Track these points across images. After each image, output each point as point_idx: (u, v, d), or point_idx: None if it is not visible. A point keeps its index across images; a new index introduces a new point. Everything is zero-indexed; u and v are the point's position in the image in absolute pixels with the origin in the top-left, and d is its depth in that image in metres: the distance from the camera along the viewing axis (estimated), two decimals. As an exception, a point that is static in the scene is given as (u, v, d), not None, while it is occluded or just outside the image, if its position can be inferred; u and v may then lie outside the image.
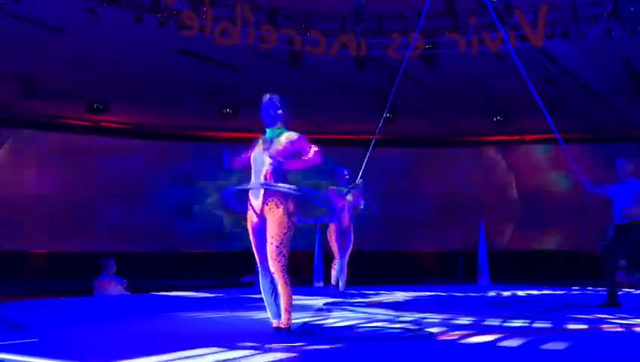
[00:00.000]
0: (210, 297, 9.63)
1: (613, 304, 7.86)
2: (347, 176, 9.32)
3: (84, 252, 15.25)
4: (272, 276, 5.25)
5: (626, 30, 10.39)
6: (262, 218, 5.26)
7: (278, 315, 5.29)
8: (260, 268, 5.36)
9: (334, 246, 9.30)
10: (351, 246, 9.33)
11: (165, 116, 16.03)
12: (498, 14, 10.76)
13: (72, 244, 16.06)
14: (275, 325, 5.32)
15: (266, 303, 5.38)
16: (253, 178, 5.34)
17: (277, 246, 5.15)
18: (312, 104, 13.59)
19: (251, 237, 5.35)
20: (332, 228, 9.32)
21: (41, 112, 15.21)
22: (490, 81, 12.79)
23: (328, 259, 9.76)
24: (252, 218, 5.33)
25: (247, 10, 10.87)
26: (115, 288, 10.51)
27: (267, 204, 5.22)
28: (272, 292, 5.31)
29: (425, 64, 11.68)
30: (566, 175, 15.82)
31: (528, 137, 16.60)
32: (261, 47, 11.23)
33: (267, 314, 5.42)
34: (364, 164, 8.95)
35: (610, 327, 6.03)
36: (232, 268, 14.79)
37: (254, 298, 8.99)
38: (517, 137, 16.96)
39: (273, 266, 5.17)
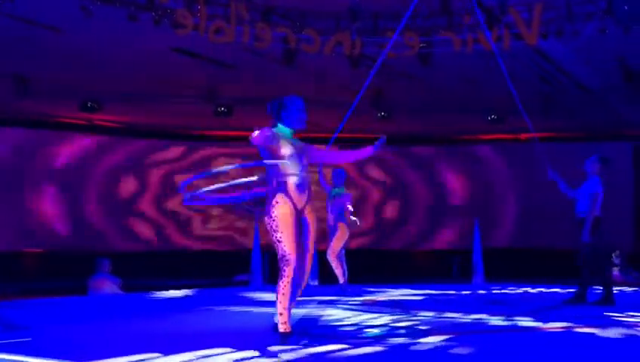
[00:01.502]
0: (205, 296, 9.62)
1: (608, 302, 7.89)
2: (344, 177, 9.46)
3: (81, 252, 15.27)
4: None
5: (621, 28, 10.41)
6: (301, 214, 5.14)
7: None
8: (294, 266, 4.99)
9: None
10: (332, 245, 9.23)
11: (160, 114, 15.94)
12: (491, 13, 10.79)
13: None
14: (286, 329, 5.07)
15: (287, 307, 5.05)
16: (294, 169, 5.10)
17: (313, 247, 5.24)
18: (307, 102, 13.53)
19: (292, 229, 5.00)
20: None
21: (35, 111, 15.11)
22: (485, 79, 12.77)
23: (323, 257, 9.78)
24: (292, 209, 5.04)
25: (242, 8, 10.85)
26: (110, 287, 10.55)
27: (309, 205, 5.19)
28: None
29: (420, 62, 11.67)
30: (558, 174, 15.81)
31: (523, 136, 16.59)
32: (256, 46, 11.21)
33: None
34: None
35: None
36: (227, 267, 14.78)
37: (248, 297, 9.00)
38: (512, 136, 16.97)
39: (310, 264, 5.18)
